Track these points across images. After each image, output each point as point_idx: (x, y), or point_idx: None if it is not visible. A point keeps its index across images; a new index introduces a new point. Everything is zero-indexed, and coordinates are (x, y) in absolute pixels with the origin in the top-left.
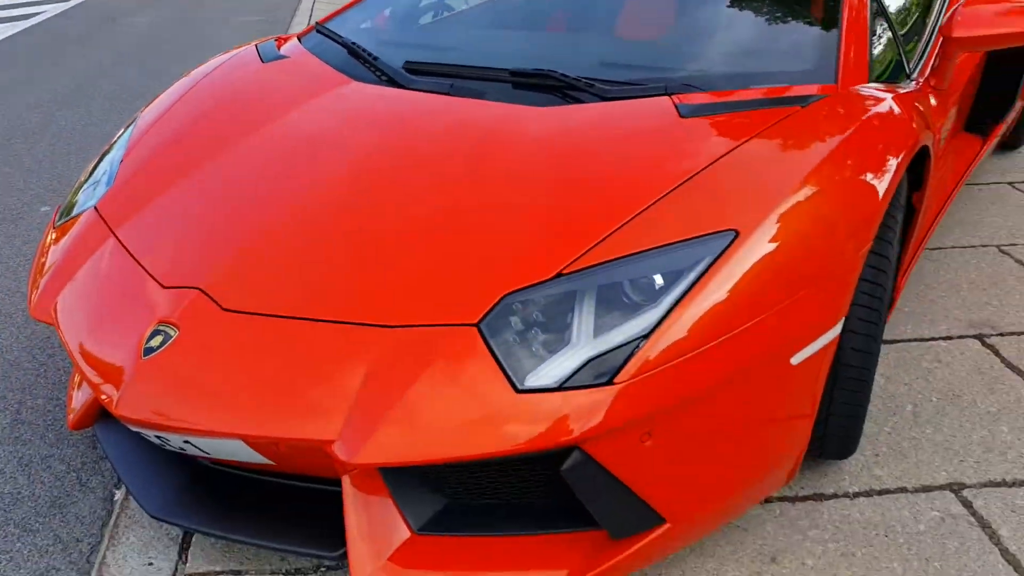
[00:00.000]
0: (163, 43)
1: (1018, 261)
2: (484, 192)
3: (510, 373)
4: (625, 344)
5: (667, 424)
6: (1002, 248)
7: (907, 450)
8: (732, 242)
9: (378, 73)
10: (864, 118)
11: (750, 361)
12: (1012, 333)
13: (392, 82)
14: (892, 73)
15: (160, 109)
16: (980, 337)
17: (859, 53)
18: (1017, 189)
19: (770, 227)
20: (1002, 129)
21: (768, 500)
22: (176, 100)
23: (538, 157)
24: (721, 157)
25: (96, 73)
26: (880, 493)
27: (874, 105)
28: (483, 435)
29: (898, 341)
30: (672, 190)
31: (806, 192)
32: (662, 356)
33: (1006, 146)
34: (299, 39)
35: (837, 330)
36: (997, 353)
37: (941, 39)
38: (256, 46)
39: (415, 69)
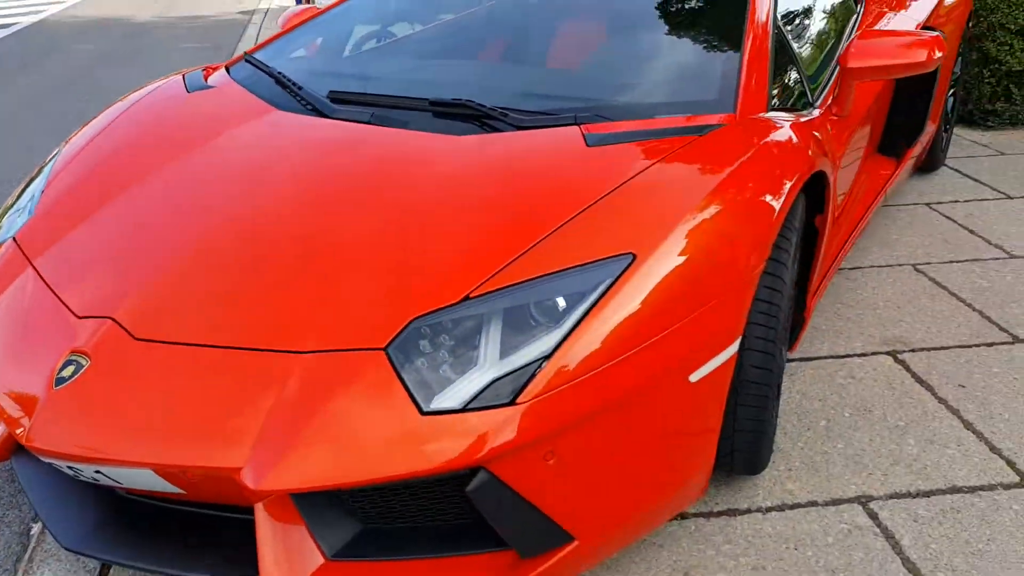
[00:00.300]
0: (107, 71)
1: (932, 280)
2: (394, 219)
3: (416, 396)
4: (529, 364)
5: (570, 442)
6: (917, 267)
7: (819, 464)
8: (629, 265)
9: (302, 102)
10: (760, 145)
11: (649, 379)
12: (922, 349)
13: (316, 111)
14: (796, 101)
15: (84, 139)
16: (892, 353)
17: (759, 83)
18: (934, 210)
19: (665, 250)
20: (915, 152)
21: (684, 516)
22: (100, 130)
23: (450, 185)
24: (622, 184)
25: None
26: (792, 507)
27: (770, 133)
28: (389, 458)
29: (814, 358)
30: (575, 216)
31: (700, 217)
32: (564, 376)
33: (924, 168)
34: (227, 69)
35: (734, 348)
36: (908, 368)
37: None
38: (183, 76)
39: (339, 98)
